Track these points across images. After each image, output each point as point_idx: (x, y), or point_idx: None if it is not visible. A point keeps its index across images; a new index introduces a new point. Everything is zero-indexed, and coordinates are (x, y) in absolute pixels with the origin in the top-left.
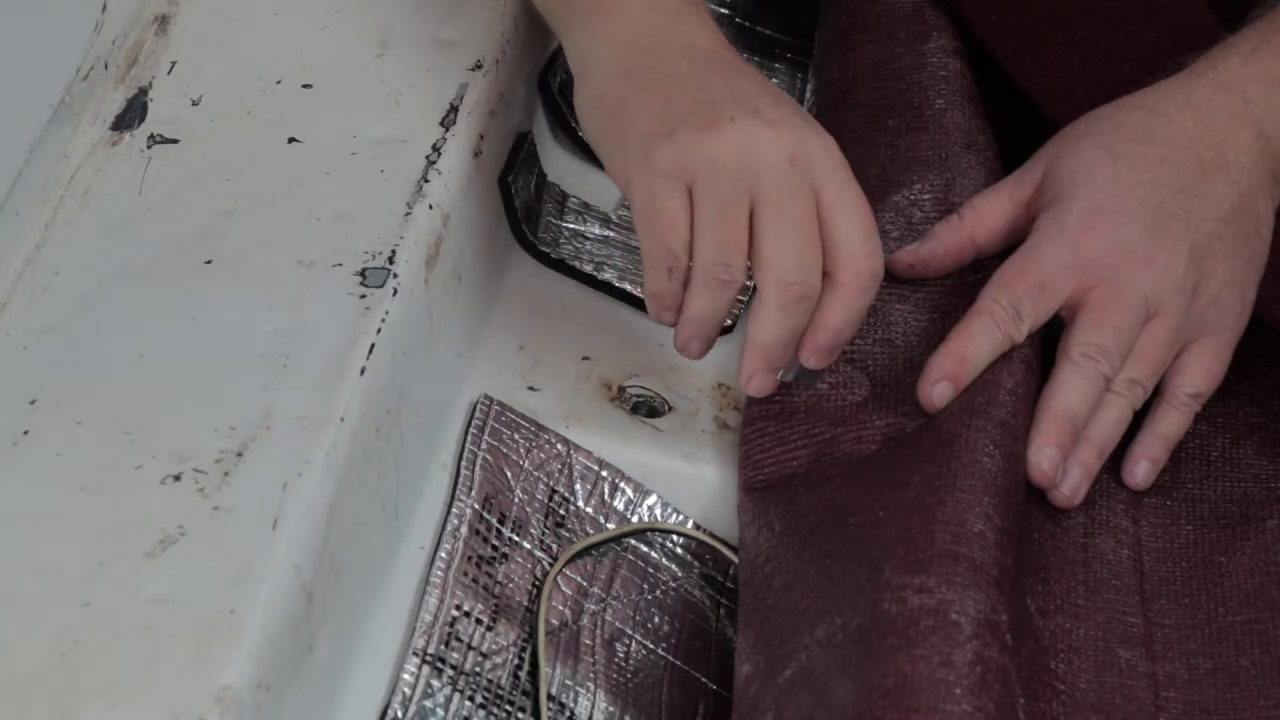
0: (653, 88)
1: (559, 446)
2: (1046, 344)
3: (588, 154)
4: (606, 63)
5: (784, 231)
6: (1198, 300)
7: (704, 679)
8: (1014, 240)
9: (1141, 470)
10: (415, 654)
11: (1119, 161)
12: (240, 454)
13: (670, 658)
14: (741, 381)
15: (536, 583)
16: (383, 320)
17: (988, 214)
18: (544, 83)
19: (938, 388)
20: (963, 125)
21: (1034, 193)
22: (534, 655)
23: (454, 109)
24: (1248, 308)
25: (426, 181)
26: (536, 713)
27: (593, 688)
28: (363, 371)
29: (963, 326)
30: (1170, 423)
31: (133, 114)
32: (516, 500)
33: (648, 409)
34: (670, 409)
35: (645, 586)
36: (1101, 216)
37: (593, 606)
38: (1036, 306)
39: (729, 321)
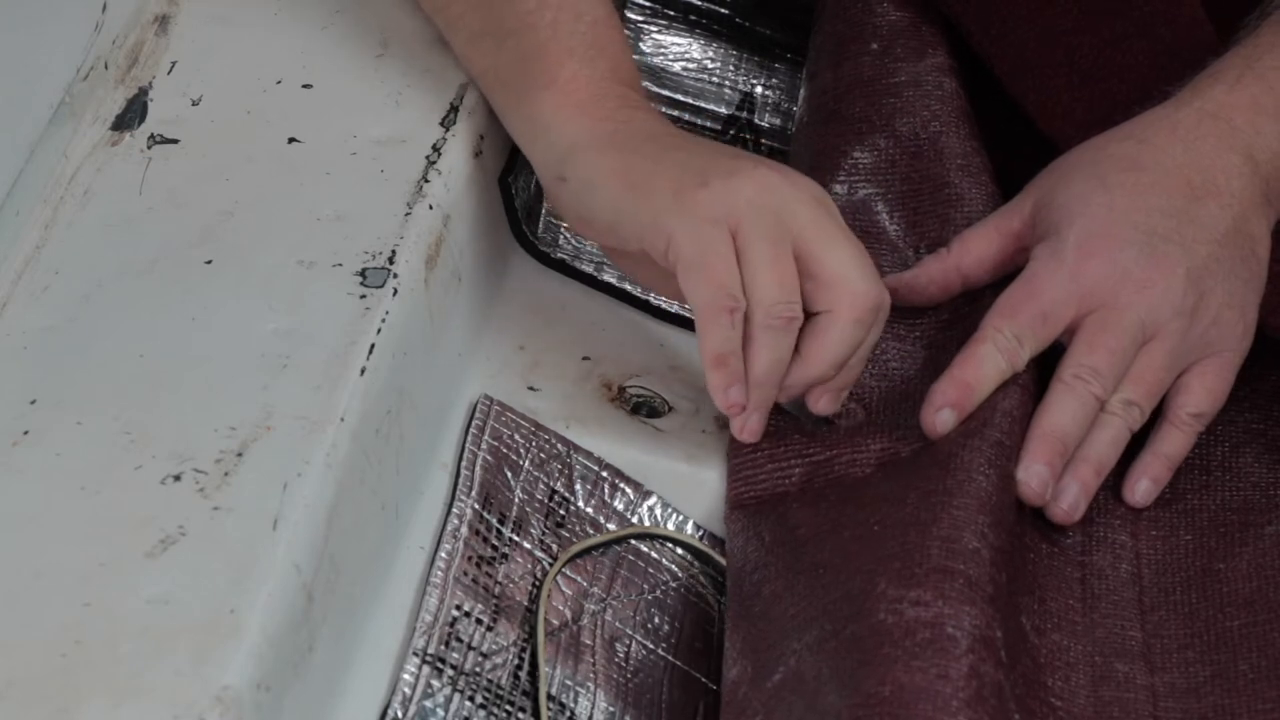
0: (658, 156)
1: (559, 446)
2: (1045, 369)
3: None
4: (597, 147)
5: (845, 247)
6: (1197, 322)
7: (704, 679)
8: (1002, 272)
9: (1142, 488)
10: (415, 654)
11: (1111, 190)
12: (240, 454)
13: (670, 658)
14: (791, 399)
15: (536, 583)
16: (383, 320)
17: (975, 246)
18: None
19: (941, 415)
20: (958, 149)
21: (1022, 226)
22: (534, 655)
23: (454, 109)
24: (1250, 328)
25: (426, 181)
26: (536, 713)
27: (593, 688)
28: (363, 371)
29: (967, 354)
30: (1172, 442)
31: (133, 114)
32: (516, 500)
33: (648, 409)
34: (670, 409)
35: (645, 586)
36: (1098, 243)
37: (593, 606)
38: (1038, 335)
39: None
